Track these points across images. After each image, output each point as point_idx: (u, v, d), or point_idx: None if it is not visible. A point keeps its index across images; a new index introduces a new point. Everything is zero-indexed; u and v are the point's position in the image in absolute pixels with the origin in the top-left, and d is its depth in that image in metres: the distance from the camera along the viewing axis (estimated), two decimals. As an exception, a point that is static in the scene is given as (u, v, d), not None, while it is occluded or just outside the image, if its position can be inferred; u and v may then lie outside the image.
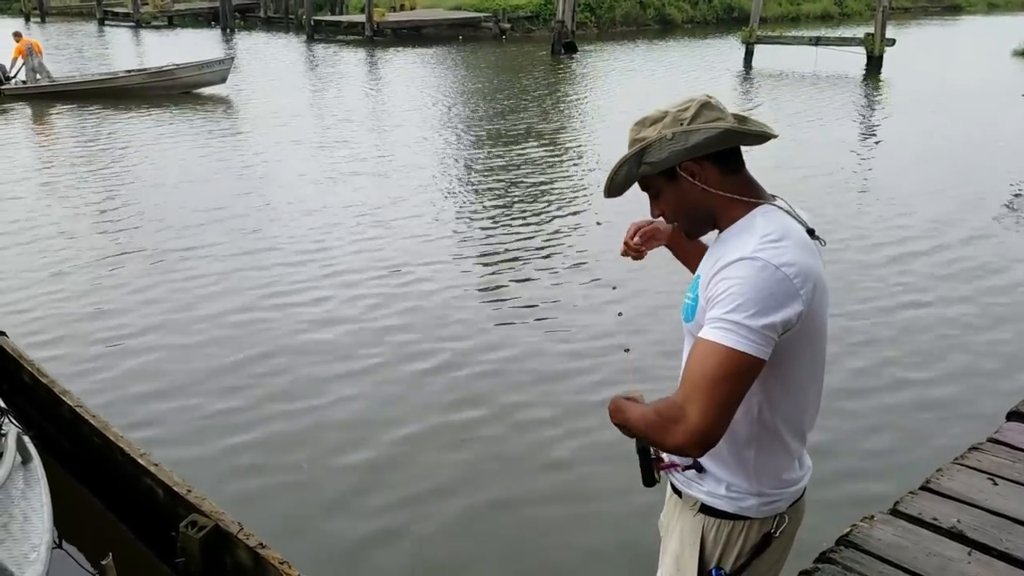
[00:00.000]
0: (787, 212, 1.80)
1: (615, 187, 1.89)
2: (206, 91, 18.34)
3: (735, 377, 1.66)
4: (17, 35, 18.52)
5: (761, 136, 1.81)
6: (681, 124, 1.77)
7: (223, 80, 18.46)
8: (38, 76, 17.92)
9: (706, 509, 1.91)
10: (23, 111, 16.57)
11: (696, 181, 1.80)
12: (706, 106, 1.79)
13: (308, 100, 18.03)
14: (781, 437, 1.86)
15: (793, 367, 1.79)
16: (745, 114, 1.89)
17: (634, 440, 1.94)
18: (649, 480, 1.96)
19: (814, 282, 1.72)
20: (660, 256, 2.31)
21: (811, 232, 1.78)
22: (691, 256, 2.10)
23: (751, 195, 1.82)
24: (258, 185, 10.69)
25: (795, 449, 1.91)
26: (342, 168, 11.53)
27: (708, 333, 1.69)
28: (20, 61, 17.77)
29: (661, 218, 1.97)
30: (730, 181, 1.81)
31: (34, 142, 14.24)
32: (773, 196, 1.85)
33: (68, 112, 16.17)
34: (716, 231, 1.89)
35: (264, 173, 11.28)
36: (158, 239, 8.46)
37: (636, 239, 2.16)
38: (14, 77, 17.75)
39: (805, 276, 1.69)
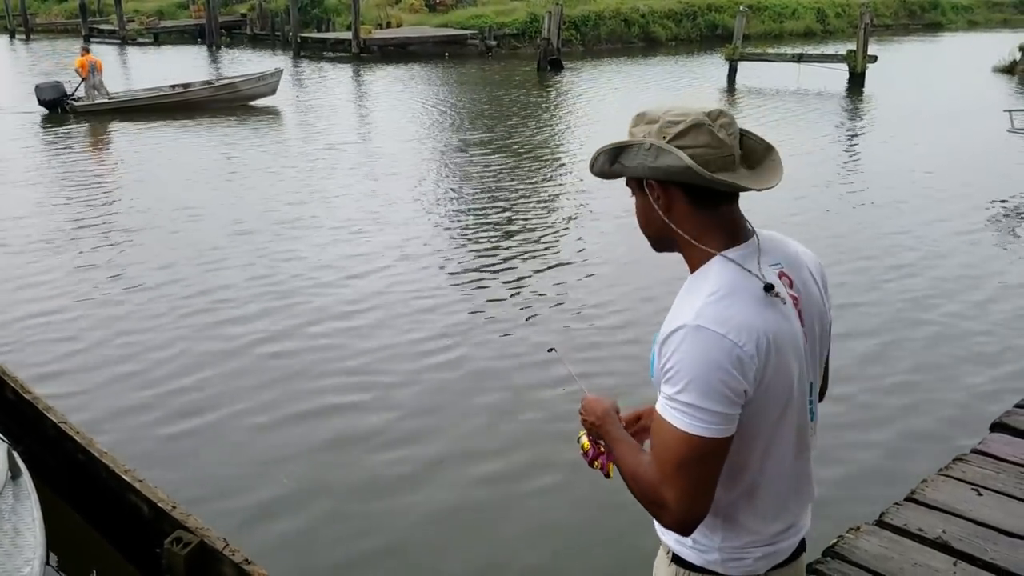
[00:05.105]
0: (740, 265, 1.61)
1: (594, 173, 1.72)
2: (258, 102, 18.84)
3: (700, 460, 1.57)
4: (85, 50, 18.61)
5: (734, 188, 1.60)
6: (664, 138, 1.58)
7: (274, 92, 19.13)
8: (97, 92, 18.05)
9: (677, 559, 1.81)
10: (100, 128, 16.46)
11: (657, 205, 1.65)
12: (697, 127, 1.57)
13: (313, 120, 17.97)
14: (749, 498, 1.72)
15: (756, 433, 1.64)
16: (775, 145, 1.71)
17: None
18: None
19: (768, 341, 1.56)
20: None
21: (769, 287, 1.59)
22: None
23: (714, 241, 1.64)
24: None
25: (765, 510, 1.74)
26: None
27: (665, 412, 1.59)
28: (80, 76, 17.75)
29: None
30: (701, 215, 1.64)
31: (115, 160, 14.12)
32: (751, 231, 1.69)
33: (143, 128, 16.19)
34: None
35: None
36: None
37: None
38: (73, 94, 17.74)
39: (755, 337, 1.55)
